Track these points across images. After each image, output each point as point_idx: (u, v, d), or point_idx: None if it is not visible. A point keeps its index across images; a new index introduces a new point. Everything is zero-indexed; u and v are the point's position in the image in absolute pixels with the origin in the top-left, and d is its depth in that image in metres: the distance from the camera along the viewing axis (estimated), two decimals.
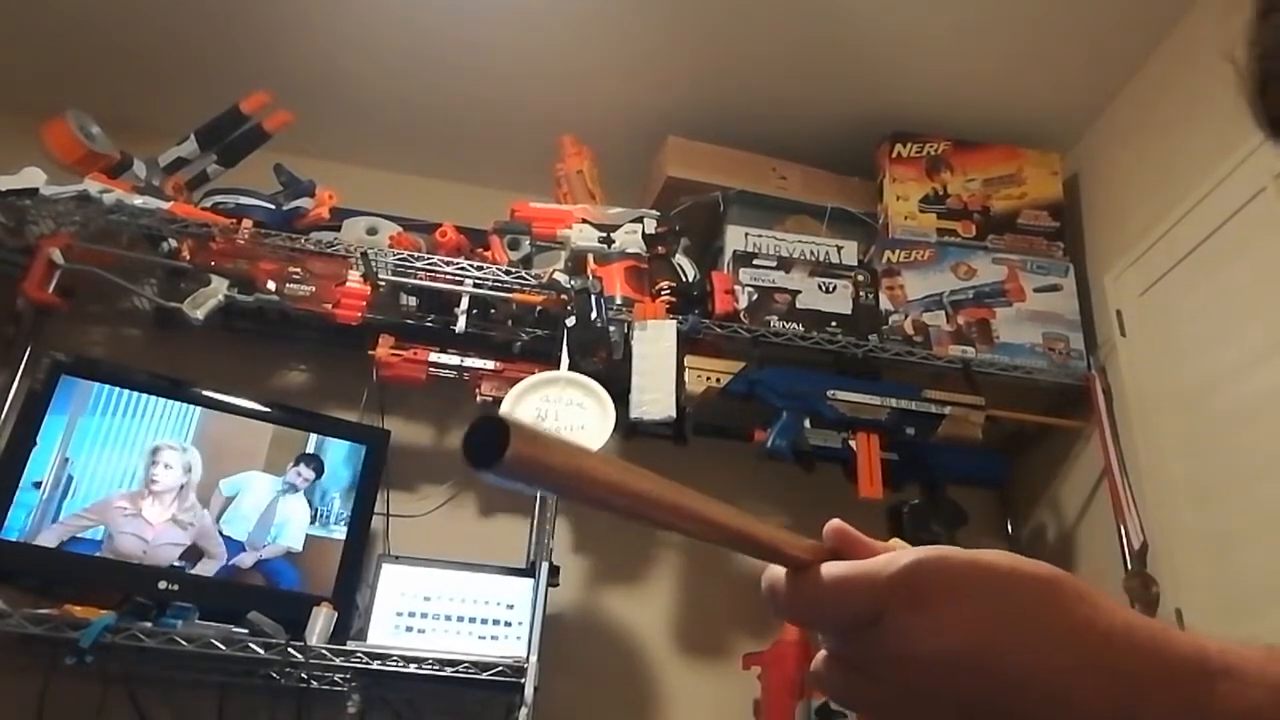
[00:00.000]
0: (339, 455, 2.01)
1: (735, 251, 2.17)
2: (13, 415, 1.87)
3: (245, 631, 1.72)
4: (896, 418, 2.02)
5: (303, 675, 1.79)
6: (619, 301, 2.00)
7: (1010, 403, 2.10)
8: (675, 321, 1.98)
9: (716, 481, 2.28)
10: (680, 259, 2.12)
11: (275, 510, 1.91)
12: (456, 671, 1.76)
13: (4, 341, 1.97)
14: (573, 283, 2.00)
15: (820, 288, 2.14)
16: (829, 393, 2.02)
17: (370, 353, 1.99)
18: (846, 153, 2.32)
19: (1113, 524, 1.91)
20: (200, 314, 1.91)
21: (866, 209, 2.30)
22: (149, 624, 1.69)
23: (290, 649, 1.71)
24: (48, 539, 1.74)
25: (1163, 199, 1.95)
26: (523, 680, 1.74)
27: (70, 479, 1.79)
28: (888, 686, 0.39)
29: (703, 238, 2.27)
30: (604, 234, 2.07)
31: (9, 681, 1.73)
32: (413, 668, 1.76)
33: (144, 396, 1.89)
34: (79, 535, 1.76)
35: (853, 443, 2.00)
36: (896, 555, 0.39)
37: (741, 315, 2.07)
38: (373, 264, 2.00)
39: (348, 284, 2.00)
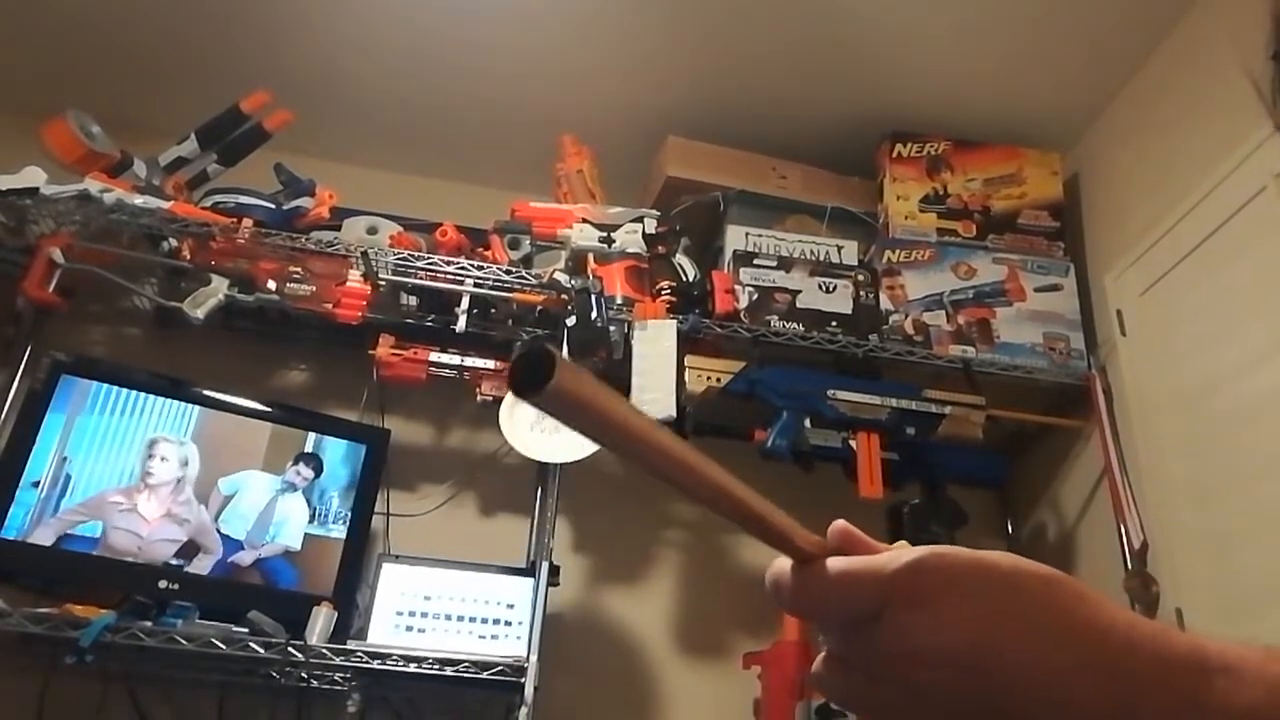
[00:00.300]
0: (337, 454, 2.01)
1: (735, 251, 2.17)
2: (13, 415, 1.87)
3: (245, 631, 1.72)
4: (897, 417, 2.02)
5: (303, 675, 1.79)
6: (619, 301, 2.00)
7: (1010, 403, 2.10)
8: (675, 321, 1.98)
9: None
10: (680, 259, 2.12)
11: (274, 509, 1.91)
12: (456, 671, 1.76)
13: (4, 341, 1.97)
14: (573, 282, 2.00)
15: (820, 287, 2.14)
16: (829, 392, 2.02)
17: (370, 352, 1.99)
18: (846, 153, 2.32)
19: (1113, 524, 1.91)
20: (200, 313, 1.91)
21: (867, 209, 2.30)
22: (149, 623, 1.69)
23: (290, 648, 1.71)
24: (43, 535, 1.73)
25: (1163, 199, 1.95)
26: (523, 680, 1.74)
27: (68, 478, 1.79)
28: (887, 685, 0.39)
29: (703, 237, 2.27)
30: (604, 234, 2.07)
31: (9, 681, 1.74)
32: (413, 667, 1.76)
33: (142, 395, 1.89)
34: (73, 532, 1.76)
35: (853, 442, 2.00)
36: (900, 553, 0.39)
37: (742, 315, 2.07)
38: (373, 263, 2.00)
39: (348, 283, 2.00)
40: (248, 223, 2.00)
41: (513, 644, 1.86)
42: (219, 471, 1.90)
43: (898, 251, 2.19)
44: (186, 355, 2.09)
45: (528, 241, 2.10)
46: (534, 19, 2.09)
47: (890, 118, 2.27)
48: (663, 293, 2.05)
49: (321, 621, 1.77)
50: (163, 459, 1.86)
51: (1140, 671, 0.37)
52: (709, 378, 1.99)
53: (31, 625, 1.62)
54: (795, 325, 2.08)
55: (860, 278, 2.17)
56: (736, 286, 2.10)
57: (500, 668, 1.77)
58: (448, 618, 1.88)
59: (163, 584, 1.77)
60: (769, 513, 0.40)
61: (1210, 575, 1.70)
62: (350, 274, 2.01)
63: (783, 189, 2.30)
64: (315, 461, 1.98)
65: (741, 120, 2.30)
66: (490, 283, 2.04)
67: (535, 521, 2.13)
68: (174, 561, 1.80)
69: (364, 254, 2.00)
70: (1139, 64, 2.10)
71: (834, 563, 0.40)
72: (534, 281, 2.03)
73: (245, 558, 1.86)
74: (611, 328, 1.95)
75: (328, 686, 1.82)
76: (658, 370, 1.93)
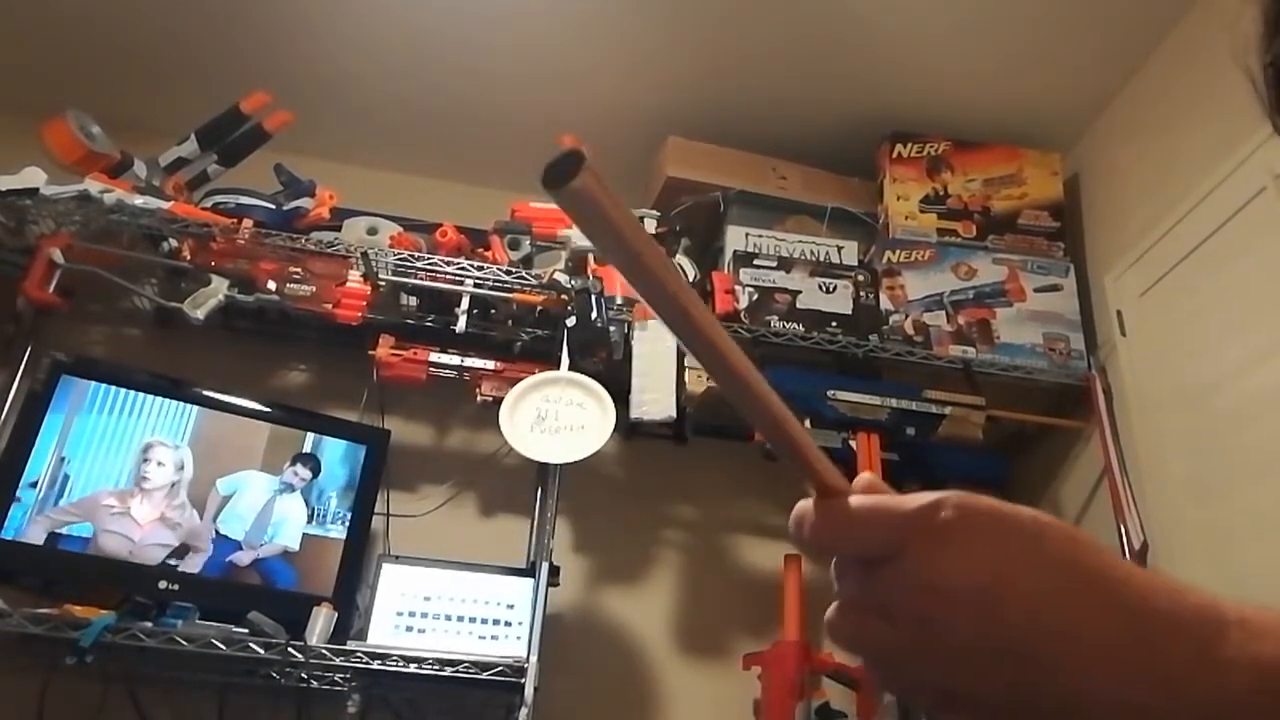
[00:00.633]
0: (336, 454, 2.01)
1: (735, 251, 2.17)
2: (12, 415, 1.87)
3: (245, 631, 1.72)
4: (897, 418, 2.02)
5: (303, 675, 1.79)
6: (619, 301, 2.00)
7: (1010, 403, 2.10)
8: None
9: (716, 481, 2.29)
10: (681, 259, 2.12)
11: (272, 510, 1.91)
12: (457, 671, 1.76)
13: (4, 341, 1.97)
14: (573, 283, 2.00)
15: (820, 288, 2.14)
16: (829, 393, 2.02)
17: (370, 353, 1.99)
18: (846, 153, 2.32)
19: (1113, 524, 1.91)
20: (200, 314, 1.91)
21: (867, 209, 2.30)
22: (149, 624, 1.69)
23: (290, 649, 1.71)
24: (34, 533, 1.73)
25: (1163, 199, 1.95)
26: (523, 680, 1.74)
27: (66, 478, 1.79)
28: (901, 627, 0.39)
29: (703, 238, 2.27)
30: None
31: (9, 681, 1.73)
32: (413, 668, 1.76)
33: (142, 395, 1.89)
34: (64, 531, 1.75)
35: (853, 443, 2.00)
36: (924, 494, 0.40)
37: (742, 315, 2.07)
38: (373, 264, 2.00)
39: (348, 284, 2.00)
40: (248, 223, 1.99)
41: (513, 644, 1.86)
42: (217, 472, 1.90)
43: (898, 252, 2.19)
44: (186, 356, 2.09)
45: (528, 242, 2.10)
46: (534, 19, 2.09)
47: (890, 118, 2.27)
48: None
49: (321, 622, 1.77)
50: (159, 464, 1.86)
51: (1161, 611, 0.37)
52: (709, 378, 1.98)
53: (31, 625, 1.62)
54: (795, 326, 2.08)
55: (860, 278, 2.17)
56: (736, 287, 2.10)
57: (500, 668, 1.77)
58: (448, 618, 1.88)
59: (163, 584, 1.77)
60: (785, 414, 0.40)
61: (1210, 575, 1.70)
62: (350, 274, 2.01)
63: (783, 189, 2.30)
64: (313, 462, 1.98)
65: (741, 120, 2.30)
66: (490, 283, 2.04)
67: (535, 522, 2.13)
68: (170, 563, 1.80)
69: (364, 254, 2.00)
70: (1139, 64, 2.10)
71: (858, 498, 0.40)
72: (534, 282, 2.03)
73: (243, 558, 1.86)
74: (611, 328, 1.95)
75: (328, 687, 1.82)
76: (658, 371, 1.93)
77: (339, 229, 2.12)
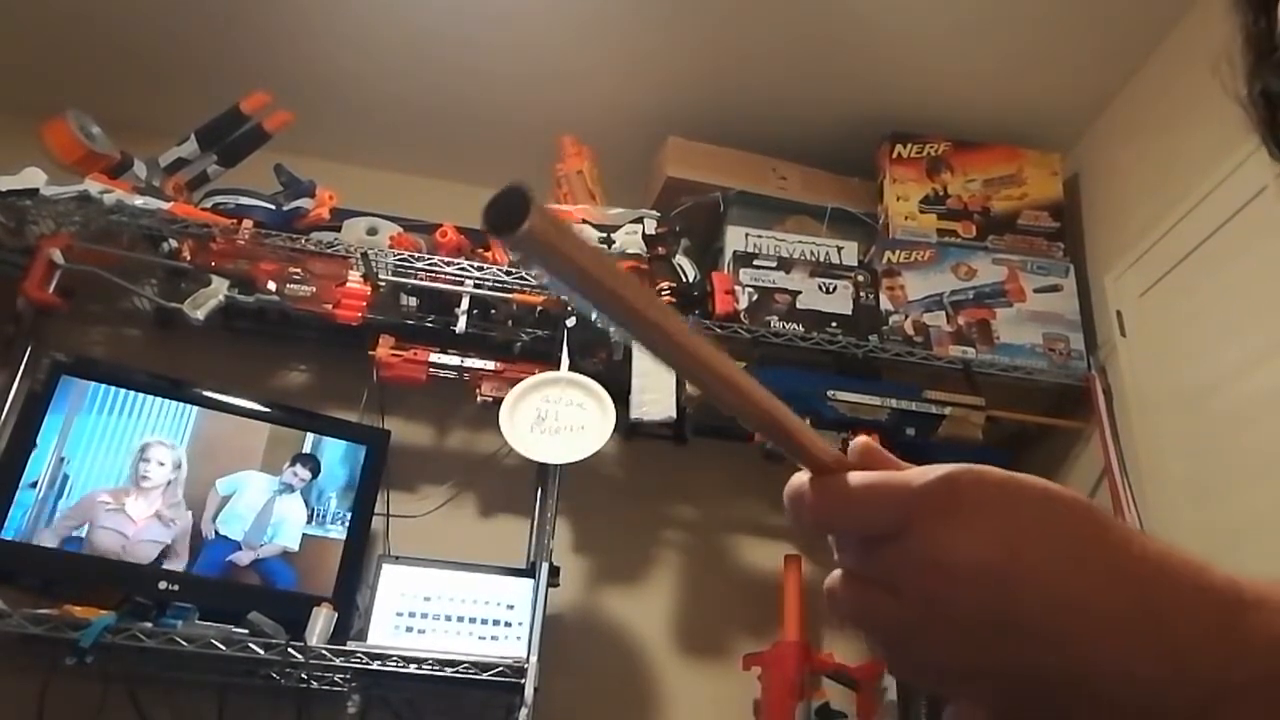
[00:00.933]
0: (335, 455, 2.01)
1: (735, 252, 2.17)
2: (12, 415, 1.87)
3: (245, 632, 1.72)
4: (897, 418, 2.02)
5: (303, 675, 1.79)
6: None
7: (1010, 403, 2.10)
8: None
9: (716, 481, 2.29)
10: (680, 259, 2.12)
11: (272, 510, 1.91)
12: (456, 672, 1.76)
13: (4, 341, 1.97)
14: None
15: (820, 288, 2.14)
16: (829, 393, 2.02)
17: (370, 353, 1.99)
18: (846, 153, 2.32)
19: (1114, 516, 1.91)
20: (200, 314, 1.91)
21: (866, 209, 2.30)
22: (149, 624, 1.69)
23: (290, 649, 1.71)
24: (48, 540, 1.73)
25: (1163, 199, 1.95)
26: (523, 680, 1.74)
27: (65, 478, 1.79)
28: (905, 601, 0.37)
29: (703, 238, 2.27)
30: (604, 234, 2.07)
31: (9, 681, 1.73)
32: (413, 668, 1.76)
33: (142, 396, 1.89)
34: (71, 535, 1.76)
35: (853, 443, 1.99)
36: (930, 467, 0.38)
37: (742, 316, 2.07)
38: (373, 264, 2.00)
39: (348, 284, 2.00)
40: (248, 224, 1.99)
41: (513, 645, 1.85)
42: (217, 472, 1.90)
43: (898, 252, 2.19)
44: (186, 356, 2.09)
45: None
46: (534, 19, 2.09)
47: (890, 118, 2.27)
48: (663, 294, 2.04)
49: (321, 622, 1.77)
50: (159, 463, 1.86)
51: (1172, 588, 0.36)
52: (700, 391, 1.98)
53: (31, 626, 1.62)
54: (795, 326, 2.08)
55: (860, 278, 2.17)
56: (736, 287, 2.10)
57: (500, 668, 1.77)
58: (448, 618, 1.88)
59: (162, 585, 1.77)
60: (774, 406, 0.38)
61: None
62: (350, 275, 2.01)
63: (783, 190, 2.30)
64: (312, 462, 1.98)
65: (741, 120, 2.30)
66: (490, 283, 2.04)
67: (535, 522, 2.13)
68: (158, 561, 1.79)
69: (364, 255, 2.00)
70: (1139, 64, 2.10)
71: (855, 476, 0.39)
72: (534, 282, 2.03)
73: (243, 558, 1.86)
74: (612, 328, 1.95)
75: (328, 687, 1.82)
76: (658, 371, 1.93)
77: (339, 229, 2.12)
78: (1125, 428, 1.98)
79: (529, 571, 1.95)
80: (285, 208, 2.06)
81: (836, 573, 0.41)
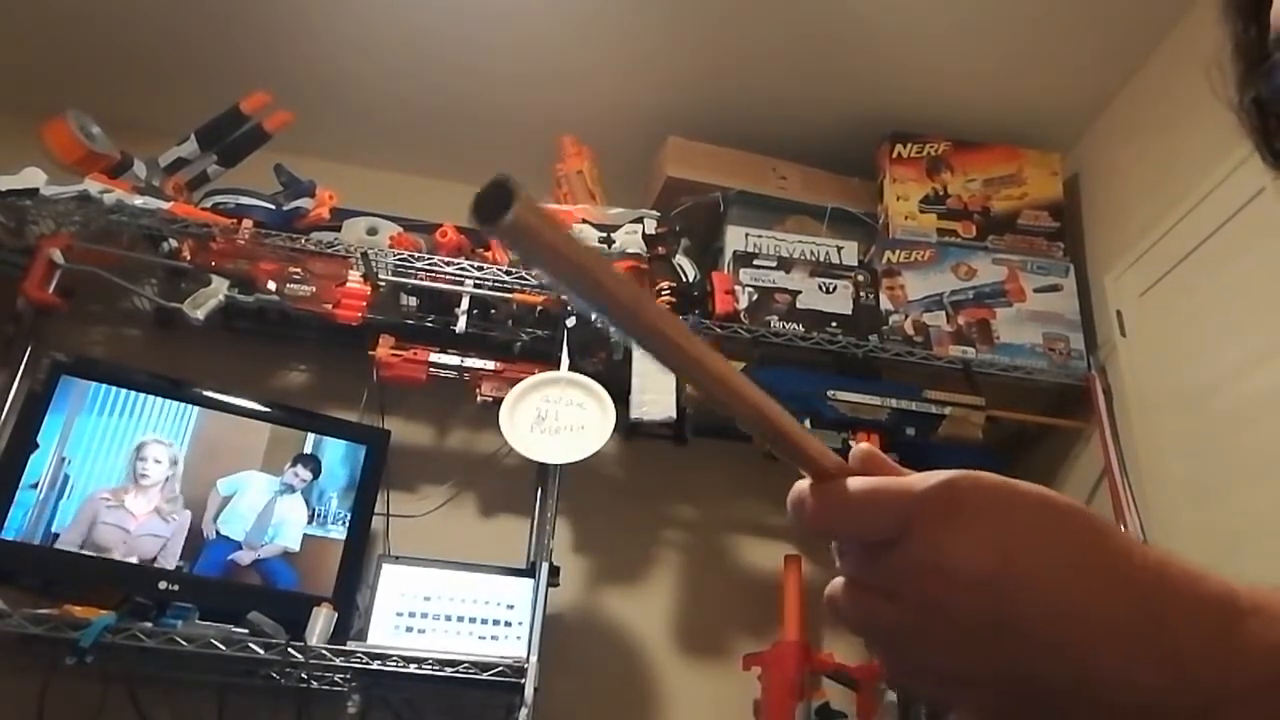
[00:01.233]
0: (336, 455, 2.01)
1: (735, 252, 2.17)
2: (13, 416, 1.87)
3: (245, 631, 1.72)
4: (897, 418, 2.02)
5: (303, 675, 1.79)
6: None
7: (1010, 403, 2.10)
8: None
9: (716, 481, 2.29)
10: (680, 259, 2.12)
11: (272, 510, 1.91)
12: (456, 672, 1.76)
13: (4, 341, 1.97)
14: None
15: (820, 288, 2.14)
16: (829, 393, 2.02)
17: (370, 353, 1.99)
18: (846, 153, 2.32)
19: (1113, 524, 1.91)
20: (200, 314, 1.91)
21: (866, 209, 2.30)
22: (149, 624, 1.69)
23: (290, 649, 1.71)
24: (49, 541, 1.74)
25: (1163, 199, 1.95)
26: (523, 680, 1.74)
27: (66, 478, 1.79)
28: (906, 607, 0.38)
29: (703, 238, 2.27)
30: (604, 234, 2.07)
31: (9, 681, 1.73)
32: (413, 668, 1.76)
33: (142, 396, 1.89)
34: (72, 534, 1.76)
35: (853, 443, 1.98)
36: (930, 474, 0.38)
37: (742, 315, 2.07)
38: (373, 264, 2.00)
39: (348, 284, 2.00)
40: (248, 223, 1.99)
41: (513, 644, 1.85)
42: (218, 472, 1.90)
43: (898, 252, 2.19)
44: (186, 356, 2.09)
45: None
46: (534, 19, 2.09)
47: (890, 118, 2.27)
48: (663, 293, 2.04)
49: (321, 622, 1.77)
50: (156, 460, 1.86)
51: (1171, 596, 0.36)
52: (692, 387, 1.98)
53: (31, 626, 1.62)
54: (795, 326, 2.08)
55: (860, 278, 2.17)
56: (736, 287, 2.10)
57: (500, 668, 1.77)
58: (448, 618, 1.88)
59: (163, 585, 1.77)
60: (772, 409, 0.39)
61: None
62: (350, 275, 2.01)
63: (783, 189, 2.30)
64: (313, 463, 1.98)
65: (741, 120, 2.30)
66: (490, 283, 2.04)
67: (535, 522, 2.13)
68: (169, 563, 1.80)
69: (364, 255, 2.00)
70: (1139, 64, 2.10)
71: (856, 481, 0.39)
72: (534, 282, 2.03)
73: (244, 558, 1.86)
74: (611, 328, 1.95)
75: (328, 687, 1.82)
76: (657, 371, 1.93)
77: (339, 229, 2.12)
78: (1125, 428, 1.98)
79: (529, 571, 1.95)
80: (285, 208, 2.06)
81: (838, 580, 0.41)
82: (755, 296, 2.10)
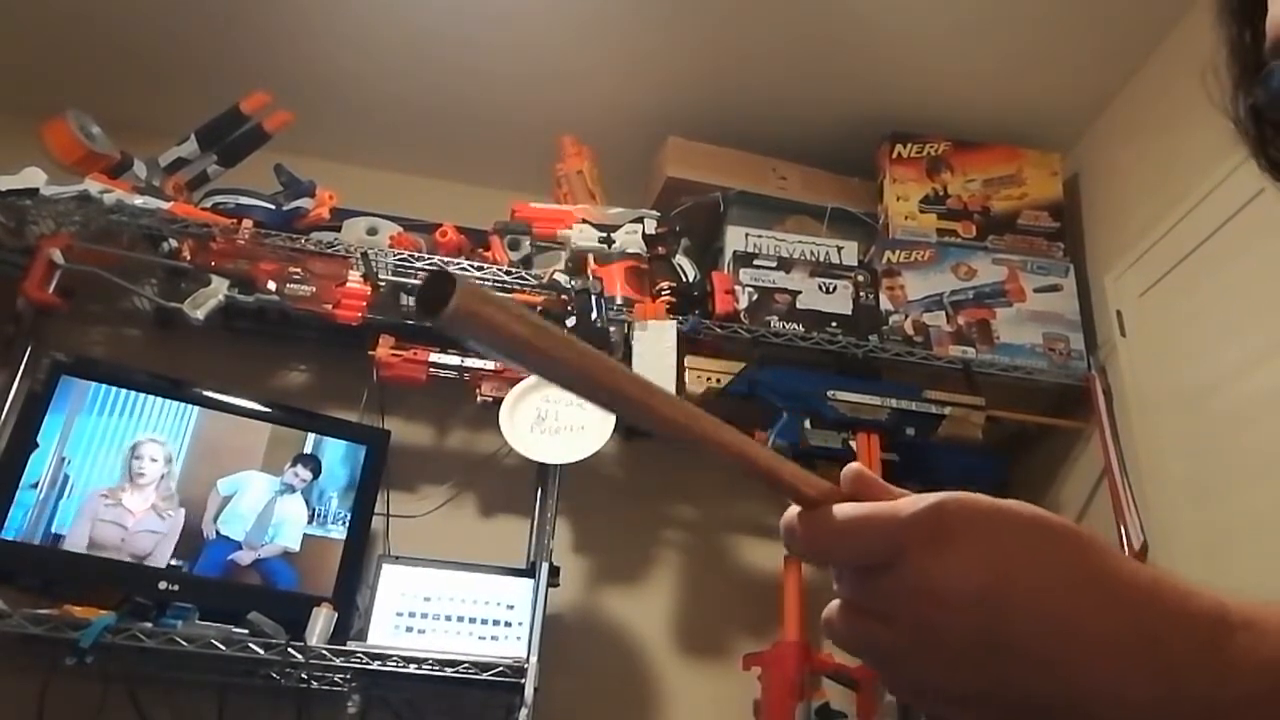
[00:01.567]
0: (336, 455, 2.01)
1: (735, 252, 2.17)
2: (13, 416, 1.87)
3: (245, 632, 1.72)
4: (897, 418, 2.02)
5: (303, 675, 1.79)
6: (619, 302, 2.00)
7: (1010, 403, 2.10)
8: (675, 322, 1.98)
9: (716, 481, 2.29)
10: (680, 259, 2.12)
11: (272, 510, 1.91)
12: (456, 672, 1.76)
13: (4, 341, 1.97)
14: (573, 283, 2.00)
15: (820, 288, 2.14)
16: (829, 393, 2.02)
17: (370, 353, 1.99)
18: (846, 153, 2.32)
19: (1113, 524, 1.91)
20: (200, 314, 1.91)
21: (866, 209, 2.30)
22: (149, 624, 1.69)
23: (290, 649, 1.71)
24: (48, 541, 1.74)
25: (1163, 199, 1.95)
26: (523, 680, 1.74)
27: (66, 478, 1.79)
28: (901, 629, 0.38)
29: (703, 238, 2.27)
30: (604, 234, 2.07)
31: (9, 681, 1.73)
32: (413, 668, 1.76)
33: (142, 396, 1.89)
34: (63, 531, 1.76)
35: (853, 443, 2.00)
36: (918, 497, 0.39)
37: (742, 315, 2.07)
38: (373, 264, 2.00)
39: (348, 284, 2.00)
40: (248, 224, 1.99)
41: (513, 645, 1.85)
42: (218, 472, 1.90)
43: (897, 252, 2.19)
44: (186, 356, 2.09)
45: (528, 242, 2.10)
46: (534, 19, 2.09)
47: (890, 118, 2.27)
48: (663, 293, 2.05)
49: (321, 622, 1.77)
50: (152, 459, 1.86)
51: (1162, 611, 0.37)
52: (709, 379, 1.99)
53: (31, 626, 1.62)
54: (795, 326, 2.08)
55: (860, 278, 2.17)
56: (736, 287, 2.10)
57: (500, 668, 1.77)
58: (448, 618, 1.88)
59: (163, 585, 1.77)
60: (747, 445, 0.39)
61: (1209, 575, 1.68)
62: (350, 275, 2.01)
63: (783, 189, 2.30)
64: (313, 463, 1.98)
65: (741, 120, 2.30)
66: (490, 283, 2.04)
67: (535, 522, 2.13)
68: (169, 563, 1.80)
69: (364, 255, 2.00)
70: (1139, 64, 2.10)
71: (842, 509, 0.40)
72: (534, 282, 2.04)
73: (244, 558, 1.86)
74: (611, 328, 1.96)
75: (328, 687, 1.82)
76: (657, 371, 1.93)
77: (339, 229, 2.12)
78: (1125, 428, 1.98)
79: (529, 571, 1.95)
80: (285, 208, 2.06)
81: (834, 602, 0.41)
82: (755, 296, 2.10)
